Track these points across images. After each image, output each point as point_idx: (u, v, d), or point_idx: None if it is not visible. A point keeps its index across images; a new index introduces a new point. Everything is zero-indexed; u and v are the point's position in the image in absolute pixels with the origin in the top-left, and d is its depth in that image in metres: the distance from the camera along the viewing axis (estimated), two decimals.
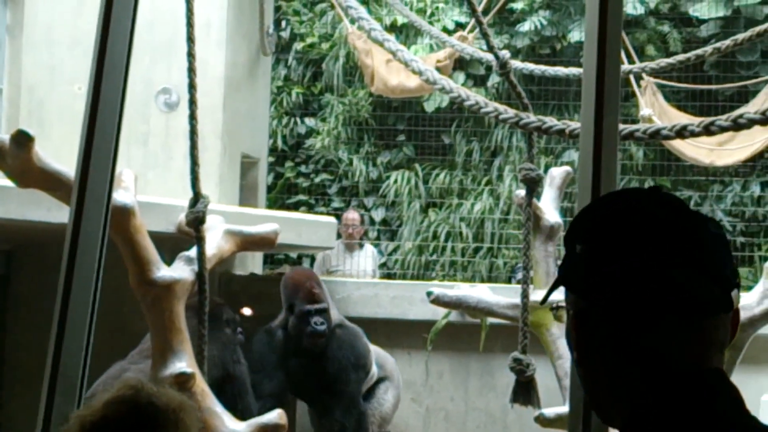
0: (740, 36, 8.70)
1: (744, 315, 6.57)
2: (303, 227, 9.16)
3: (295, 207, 13.10)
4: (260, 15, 10.29)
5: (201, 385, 5.43)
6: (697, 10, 13.06)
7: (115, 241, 5.15)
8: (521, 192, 6.88)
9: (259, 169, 11.00)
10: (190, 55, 5.28)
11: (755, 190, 12.87)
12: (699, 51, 8.97)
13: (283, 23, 13.72)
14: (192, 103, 5.38)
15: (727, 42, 8.64)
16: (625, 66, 9.40)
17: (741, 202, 12.90)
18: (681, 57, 8.90)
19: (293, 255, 12.75)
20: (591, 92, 3.67)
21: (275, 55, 12.62)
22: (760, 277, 6.99)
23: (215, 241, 6.01)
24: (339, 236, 10.88)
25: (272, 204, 12.76)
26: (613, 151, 3.69)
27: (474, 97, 6.59)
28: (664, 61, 9.06)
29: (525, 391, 6.68)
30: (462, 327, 9.13)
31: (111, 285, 3.81)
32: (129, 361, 6.53)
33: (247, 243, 6.41)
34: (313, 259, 12.21)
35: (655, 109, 9.96)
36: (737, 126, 5.13)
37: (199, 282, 5.56)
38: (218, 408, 5.53)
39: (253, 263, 10.41)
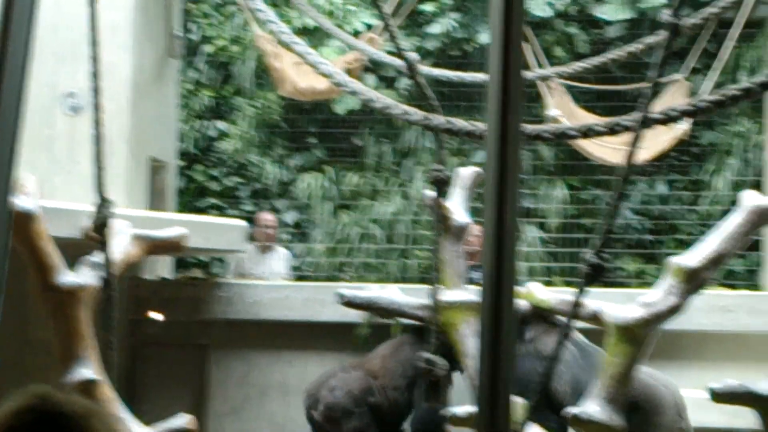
0: (652, 39, 8.82)
1: (650, 311, 6.66)
2: (212, 231, 9.11)
3: (206, 210, 13.01)
4: (167, 17, 10.21)
5: (107, 392, 5.37)
6: (603, 13, 13.22)
7: (18, 248, 5.07)
8: (430, 193, 6.91)
9: (168, 173, 10.91)
10: (94, 59, 5.22)
11: (661, 189, 13.06)
12: (610, 55, 9.08)
13: (193, 26, 13.62)
14: (97, 107, 5.32)
15: (639, 45, 8.76)
16: (536, 72, 9.53)
17: (648, 200, 13.09)
18: (591, 61, 9.00)
19: (205, 259, 12.66)
20: (495, 94, 3.69)
21: (184, 58, 12.53)
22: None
23: (122, 245, 5.95)
24: (250, 239, 10.83)
25: (183, 208, 12.66)
26: (517, 152, 3.71)
27: (383, 99, 6.59)
28: (576, 65, 9.17)
29: (435, 390, 6.72)
30: (373, 328, 9.14)
31: (16, 293, 3.75)
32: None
33: (155, 247, 6.36)
34: (222, 261, 12.15)
35: (563, 110, 10.06)
36: (641, 126, 5.19)
37: (106, 287, 5.50)
38: (124, 414, 5.48)
39: (163, 267, 10.32)
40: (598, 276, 5.04)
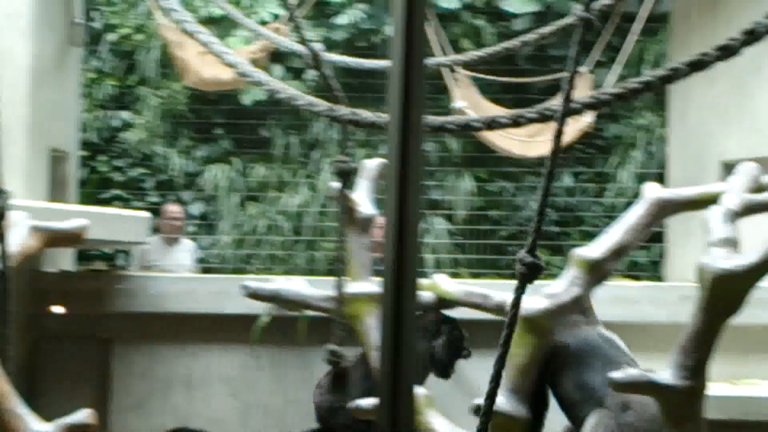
0: (547, 29, 8.88)
1: (553, 302, 6.69)
2: (115, 222, 8.97)
3: (110, 202, 12.84)
4: (68, 4, 10.04)
5: (2, 386, 5.25)
6: (510, 5, 13.31)
7: None
8: (336, 184, 6.88)
9: (69, 164, 10.73)
10: None
11: (567, 180, 13.18)
12: (508, 43, 9.11)
13: (96, 14, 13.42)
14: None
15: (534, 35, 8.82)
16: (439, 59, 9.51)
17: (554, 192, 13.20)
18: (490, 49, 9.03)
19: (109, 251, 12.49)
20: (397, 85, 3.68)
21: (87, 46, 12.33)
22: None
23: (20, 237, 5.83)
24: (155, 231, 10.70)
25: (86, 199, 12.48)
26: (419, 143, 3.70)
27: (288, 90, 6.55)
28: (474, 54, 9.18)
29: (340, 382, 6.70)
30: (280, 320, 9.09)
31: None
32: None
33: (54, 239, 6.23)
34: (127, 253, 12.00)
35: (469, 102, 10.09)
36: (544, 118, 5.21)
37: (1, 280, 5.37)
38: (21, 410, 5.36)
39: (65, 260, 10.16)
40: (535, 276, 5.00)
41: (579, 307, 6.88)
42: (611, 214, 11.60)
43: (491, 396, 4.74)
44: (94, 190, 13.12)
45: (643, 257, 12.49)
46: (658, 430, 6.19)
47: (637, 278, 11.83)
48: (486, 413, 4.74)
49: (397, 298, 3.67)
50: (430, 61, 10.02)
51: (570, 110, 5.30)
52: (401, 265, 3.66)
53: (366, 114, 6.21)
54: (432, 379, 7.76)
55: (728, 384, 9.39)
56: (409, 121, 3.75)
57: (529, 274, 4.96)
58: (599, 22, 5.11)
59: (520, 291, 4.96)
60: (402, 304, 3.65)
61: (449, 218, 13.09)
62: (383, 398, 3.73)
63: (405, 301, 3.65)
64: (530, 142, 10.20)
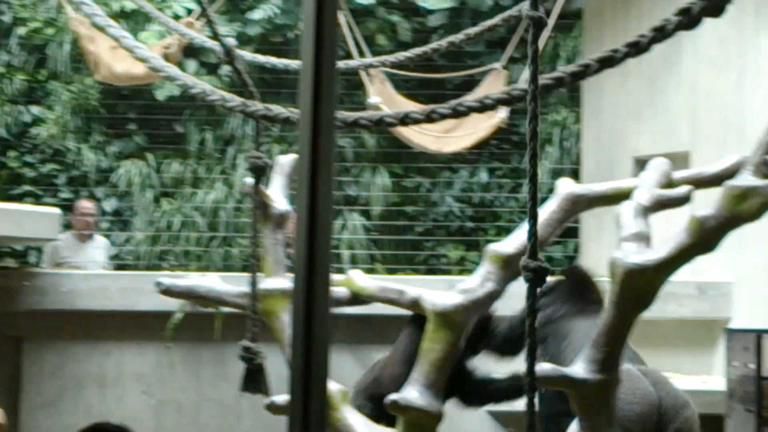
0: (472, 30, 8.96)
1: (467, 298, 6.72)
2: (25, 219, 8.84)
3: (21, 198, 12.64)
4: None
5: None
6: (425, 1, 13.34)
7: None
8: (250, 180, 6.84)
9: None
10: None
11: (482, 176, 13.25)
12: (433, 45, 9.19)
13: (4, 7, 13.20)
14: None
15: (461, 36, 8.89)
16: (358, 60, 9.58)
17: (469, 188, 13.26)
18: (418, 50, 9.10)
19: (19, 248, 12.31)
20: (308, 80, 3.66)
21: None
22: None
23: None
24: (66, 227, 10.56)
25: None
26: (330, 139, 3.68)
27: (200, 84, 6.49)
28: (402, 55, 9.25)
29: (254, 379, 6.66)
30: (194, 317, 9.03)
31: None
32: None
33: None
34: (39, 251, 11.83)
35: (384, 98, 10.10)
36: (457, 113, 5.22)
37: None
38: None
39: None
40: (543, 279, 4.98)
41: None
42: (526, 210, 11.68)
43: (531, 415, 4.65)
44: (4, 186, 12.91)
45: (559, 252, 12.60)
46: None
47: (552, 273, 11.90)
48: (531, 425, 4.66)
49: (309, 293, 3.65)
50: (355, 62, 10.06)
51: (485, 106, 5.33)
52: (313, 261, 3.63)
53: (280, 110, 6.18)
54: (348, 373, 7.78)
55: None
56: (319, 117, 3.73)
57: (537, 278, 4.94)
58: (505, 22, 5.14)
59: (532, 298, 4.92)
60: (314, 300, 3.63)
61: (365, 214, 13.10)
62: (295, 395, 3.70)
63: (317, 296, 3.62)
64: (445, 138, 10.23)
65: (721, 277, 9.76)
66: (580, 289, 7.07)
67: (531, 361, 4.80)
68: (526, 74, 10.28)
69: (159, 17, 10.08)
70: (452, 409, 7.16)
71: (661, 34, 4.22)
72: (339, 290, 7.47)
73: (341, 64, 10.14)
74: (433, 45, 9.10)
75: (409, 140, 10.41)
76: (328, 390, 5.87)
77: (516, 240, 6.97)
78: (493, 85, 10.10)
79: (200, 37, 9.19)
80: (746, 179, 6.34)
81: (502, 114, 10.06)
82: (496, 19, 8.87)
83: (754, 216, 6.35)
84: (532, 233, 5.06)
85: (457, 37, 8.83)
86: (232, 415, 9.15)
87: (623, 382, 5.58)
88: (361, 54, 10.41)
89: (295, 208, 7.78)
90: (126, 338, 9.07)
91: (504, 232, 11.84)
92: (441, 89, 12.06)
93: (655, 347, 9.59)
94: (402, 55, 9.09)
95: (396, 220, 13.13)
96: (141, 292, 9.02)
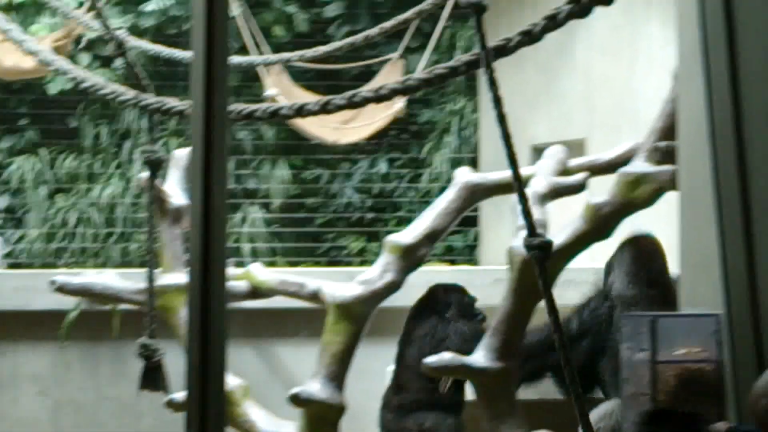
0: (373, 31, 9.15)
1: (366, 289, 6.72)
2: None
3: None
4: None
5: None
6: None
7: None
8: (145, 175, 6.77)
9: None
10: None
11: (382, 167, 13.25)
12: (351, 39, 9.42)
13: None
14: None
15: (359, 37, 9.11)
16: (256, 57, 9.66)
17: (369, 178, 13.25)
18: (337, 43, 9.31)
19: None
20: (199, 73, 3.61)
21: None
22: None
23: None
24: None
25: None
26: (224, 132, 3.63)
27: (92, 78, 6.41)
28: (321, 49, 9.43)
29: (154, 377, 6.60)
30: (91, 315, 8.89)
31: None
32: None
33: None
34: None
35: (281, 90, 10.04)
36: (352, 104, 5.23)
37: None
38: None
39: None
40: (549, 252, 4.92)
41: None
42: (427, 200, 11.70)
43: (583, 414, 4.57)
44: None
45: (459, 241, 12.65)
46: None
47: (453, 263, 11.97)
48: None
49: (205, 288, 3.58)
50: (258, 59, 10.05)
51: (381, 96, 5.33)
52: (208, 255, 3.57)
53: (174, 102, 6.11)
54: (249, 368, 7.73)
55: None
56: (212, 110, 3.68)
57: (543, 253, 4.89)
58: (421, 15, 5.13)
59: (544, 275, 4.85)
60: (210, 295, 3.57)
61: (265, 207, 13.02)
62: (191, 391, 3.65)
63: (213, 291, 3.57)
64: (343, 129, 10.21)
65: None
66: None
67: (564, 352, 4.71)
68: (423, 64, 10.33)
69: (55, 5, 9.91)
70: (356, 401, 7.16)
71: (554, 22, 4.25)
72: (238, 284, 7.43)
73: (239, 59, 10.09)
74: (350, 39, 9.25)
75: (308, 132, 10.37)
76: (228, 386, 5.84)
77: (415, 230, 6.99)
78: (390, 74, 10.10)
79: (92, 29, 9.07)
80: (639, 166, 6.44)
81: (399, 104, 10.07)
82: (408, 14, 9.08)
83: (647, 202, 6.46)
84: (525, 210, 4.97)
85: (374, 31, 8.99)
86: (131, 413, 9.03)
87: None
88: (258, 46, 10.35)
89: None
90: (20, 338, 8.90)
91: (404, 222, 11.85)
92: (339, 80, 12.02)
93: None
94: (322, 50, 9.23)
95: (296, 213, 13.09)
96: (35, 290, 8.84)
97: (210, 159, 3.62)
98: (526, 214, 4.93)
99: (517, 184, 4.79)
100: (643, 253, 6.77)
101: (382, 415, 7.11)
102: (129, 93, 6.20)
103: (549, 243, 4.97)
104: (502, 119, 4.49)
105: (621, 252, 6.88)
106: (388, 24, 9.20)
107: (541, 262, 4.93)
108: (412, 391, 6.94)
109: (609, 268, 6.94)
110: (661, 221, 8.35)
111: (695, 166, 5.30)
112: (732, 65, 4.41)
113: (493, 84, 4.44)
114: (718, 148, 4.23)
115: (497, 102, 4.45)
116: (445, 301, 7.18)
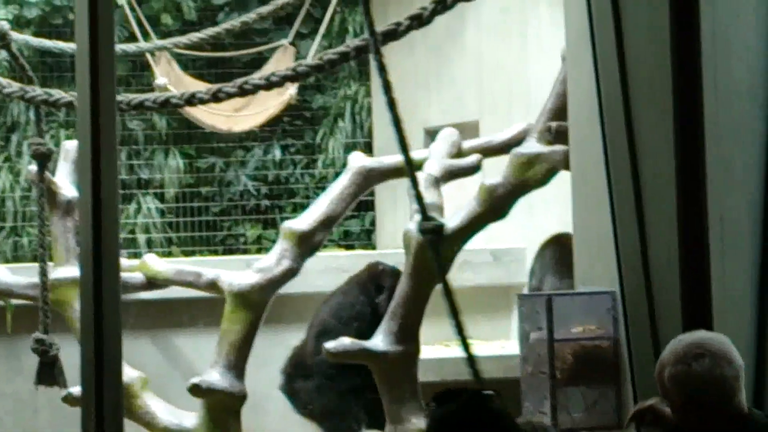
0: (263, 9, 9.10)
1: (264, 276, 6.71)
2: None
3: None
4: None
5: None
6: None
7: None
8: (33, 167, 6.67)
9: None
10: None
11: (276, 153, 13.21)
12: (218, 28, 9.33)
13: None
14: None
15: (249, 16, 9.04)
16: (143, 44, 9.55)
17: (264, 166, 13.20)
18: (227, 25, 9.22)
19: None
20: (85, 64, 3.56)
21: None
22: None
23: None
24: None
25: None
26: (112, 122, 3.59)
27: None
28: (182, 40, 9.32)
29: (50, 372, 6.52)
30: None
31: None
32: None
33: None
34: None
35: (170, 79, 9.94)
36: (243, 92, 5.22)
37: None
38: None
39: None
40: (441, 234, 4.99)
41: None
42: (322, 186, 11.69)
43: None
44: None
45: (355, 226, 12.66)
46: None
47: (350, 247, 11.98)
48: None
49: (97, 280, 3.53)
50: (146, 45, 9.92)
51: (272, 83, 5.32)
52: (99, 247, 3.52)
53: (61, 94, 6.05)
54: (147, 359, 7.67)
55: (441, 346, 9.65)
56: (99, 100, 3.63)
57: (436, 237, 4.96)
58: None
59: (438, 257, 4.93)
60: (102, 287, 3.52)
61: (159, 197, 12.89)
62: (87, 385, 3.60)
63: (106, 283, 3.52)
64: (235, 117, 10.16)
65: (515, 243, 9.98)
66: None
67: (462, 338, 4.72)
68: (313, 49, 10.31)
69: None
70: (256, 389, 7.14)
71: (443, 6, 4.28)
72: (134, 275, 7.36)
73: (125, 47, 9.96)
74: (217, 28, 9.16)
75: (200, 121, 10.29)
76: (125, 378, 5.77)
77: (310, 216, 6.99)
78: (281, 61, 10.06)
79: None
80: (532, 146, 6.50)
81: (291, 90, 10.04)
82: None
83: (540, 182, 6.53)
84: (417, 194, 5.00)
85: (266, 9, 8.93)
86: (28, 409, 8.90)
87: None
88: (145, 35, 10.22)
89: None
90: None
91: (300, 208, 11.81)
92: (230, 68, 11.94)
93: None
94: (191, 37, 9.10)
95: (191, 202, 12.98)
96: None
97: (98, 150, 3.57)
98: (419, 198, 5.00)
99: (409, 168, 4.83)
100: (566, 248, 6.89)
101: (286, 379, 7.16)
102: (14, 85, 6.11)
103: (441, 226, 5.06)
104: (392, 104, 4.51)
105: (543, 253, 7.06)
106: (274, 5, 9.15)
107: (435, 246, 5.03)
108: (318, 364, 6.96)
109: (533, 271, 7.11)
110: (554, 201, 8.47)
111: (586, 146, 5.36)
112: (619, 45, 4.47)
113: (382, 69, 4.46)
114: (607, 127, 4.29)
115: (387, 87, 4.48)
116: (378, 284, 7.22)
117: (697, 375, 3.13)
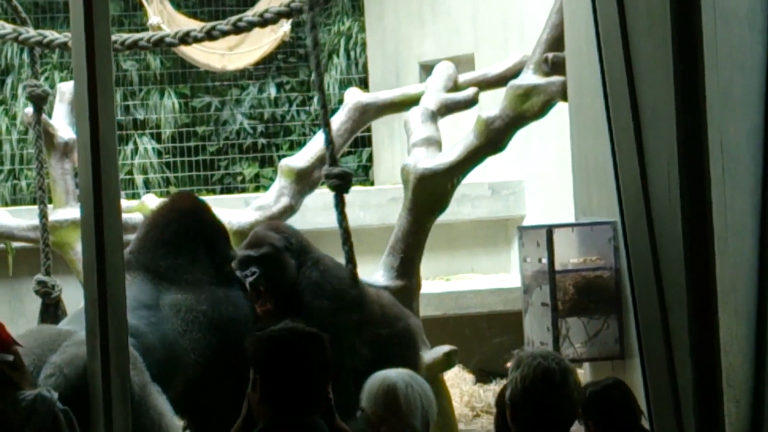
0: None
1: (262, 214, 6.70)
2: None
3: None
4: None
5: None
6: None
7: None
8: (29, 110, 6.63)
9: None
10: None
11: (271, 91, 13.17)
12: None
13: None
14: None
15: None
16: None
17: (259, 104, 13.17)
18: None
19: None
20: (79, 4, 3.52)
21: None
22: None
23: None
24: None
25: None
26: (108, 61, 3.56)
27: None
28: None
29: (53, 313, 6.53)
30: None
31: None
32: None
33: None
34: None
35: (163, 18, 9.88)
36: (238, 29, 5.18)
37: None
38: None
39: None
40: (349, 183, 5.14)
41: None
42: (318, 123, 11.66)
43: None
44: None
45: (353, 162, 12.65)
46: None
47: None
48: None
49: (98, 221, 3.52)
50: None
51: (266, 21, 5.28)
52: (99, 188, 3.51)
53: (55, 35, 5.99)
54: None
55: (441, 281, 9.68)
56: (93, 40, 3.59)
57: (343, 184, 5.05)
58: None
59: (340, 205, 5.06)
60: (104, 227, 3.51)
61: (156, 137, 12.87)
62: (91, 326, 3.59)
63: (107, 224, 3.51)
64: (230, 55, 10.10)
65: (513, 176, 9.98)
66: None
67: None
68: None
69: None
70: None
71: None
72: (133, 216, 7.34)
73: None
74: None
75: (194, 60, 10.23)
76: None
77: (308, 153, 6.97)
78: None
79: None
80: (528, 78, 6.47)
81: (285, 27, 9.97)
82: None
83: (537, 114, 6.51)
84: (329, 140, 5.08)
85: None
86: None
87: None
88: None
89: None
90: None
91: (297, 145, 11.80)
92: (222, 6, 11.88)
93: (452, 249, 9.78)
94: None
95: (188, 142, 12.96)
96: None
97: (95, 90, 3.54)
98: (329, 143, 5.12)
99: (323, 113, 4.98)
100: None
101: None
102: (7, 27, 6.06)
103: (348, 173, 5.17)
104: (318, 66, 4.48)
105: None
106: None
107: (341, 192, 5.17)
108: None
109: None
110: (551, 133, 8.45)
111: (584, 76, 5.34)
112: None
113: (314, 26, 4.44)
114: (605, 56, 4.26)
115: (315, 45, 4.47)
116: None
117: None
